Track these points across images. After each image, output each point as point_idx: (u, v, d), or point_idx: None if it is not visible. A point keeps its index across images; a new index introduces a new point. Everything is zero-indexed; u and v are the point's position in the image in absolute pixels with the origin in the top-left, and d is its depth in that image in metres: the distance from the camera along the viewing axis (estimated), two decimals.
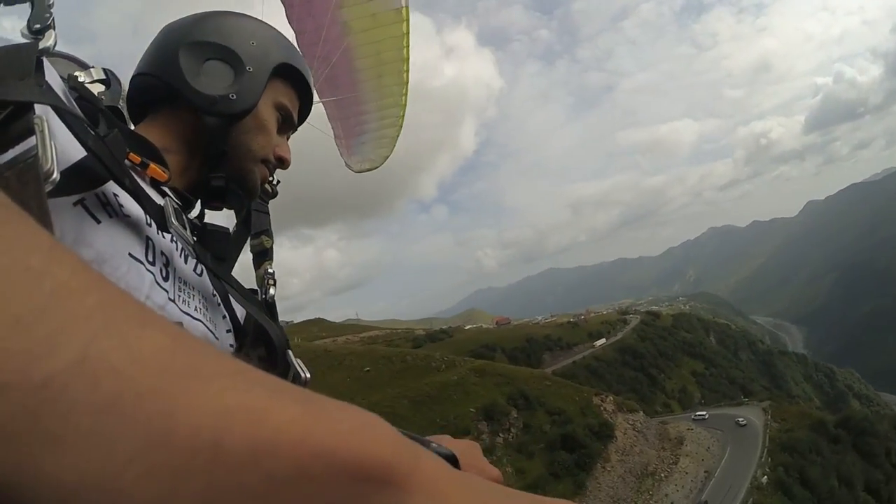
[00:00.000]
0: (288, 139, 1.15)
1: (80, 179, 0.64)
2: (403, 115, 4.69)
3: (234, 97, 0.98)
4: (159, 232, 0.79)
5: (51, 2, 0.70)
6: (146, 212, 0.75)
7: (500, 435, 42.96)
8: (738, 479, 43.92)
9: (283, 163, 1.10)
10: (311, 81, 1.16)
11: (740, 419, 59.31)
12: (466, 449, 0.65)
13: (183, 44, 0.98)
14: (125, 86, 1.02)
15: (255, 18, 1.11)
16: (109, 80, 0.94)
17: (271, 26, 1.11)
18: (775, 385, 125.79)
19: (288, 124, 1.11)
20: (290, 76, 1.09)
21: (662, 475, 44.61)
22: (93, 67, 0.93)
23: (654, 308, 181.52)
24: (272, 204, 1.26)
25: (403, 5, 4.13)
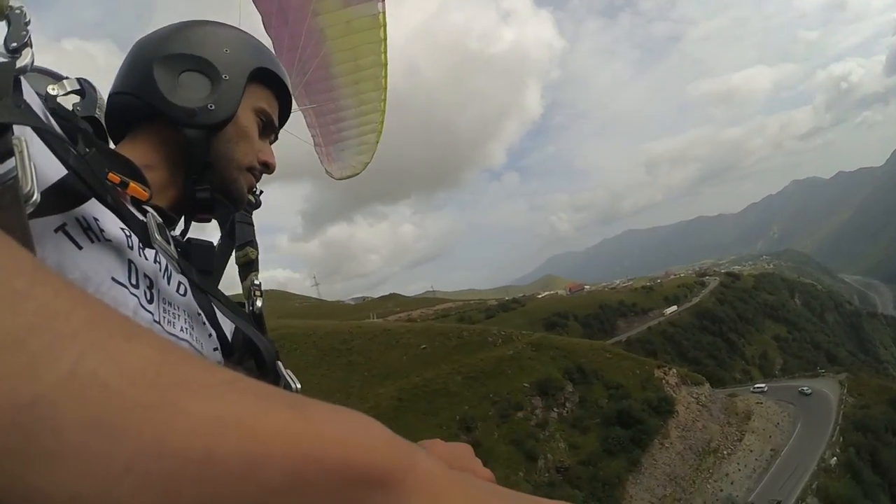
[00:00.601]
0: (272, 143, 1.15)
1: (61, 199, 0.64)
2: (383, 121, 4.70)
3: (213, 107, 0.97)
4: (141, 254, 0.78)
5: (27, 19, 0.69)
6: (129, 227, 0.75)
7: (555, 410, 43.01)
8: (805, 460, 41.89)
9: (268, 168, 1.10)
10: (289, 84, 1.16)
11: (805, 388, 56.37)
12: (458, 452, 0.63)
13: (156, 58, 0.98)
14: (103, 97, 1.01)
15: (228, 25, 1.10)
16: (84, 89, 0.97)
17: (244, 31, 1.10)
18: (862, 350, 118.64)
19: (269, 129, 1.11)
20: (267, 80, 1.09)
21: (725, 452, 43.29)
22: (66, 79, 0.95)
23: (737, 268, 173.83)
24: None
25: (380, 11, 4.13)
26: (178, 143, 0.98)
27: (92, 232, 0.70)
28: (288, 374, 1.00)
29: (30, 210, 0.53)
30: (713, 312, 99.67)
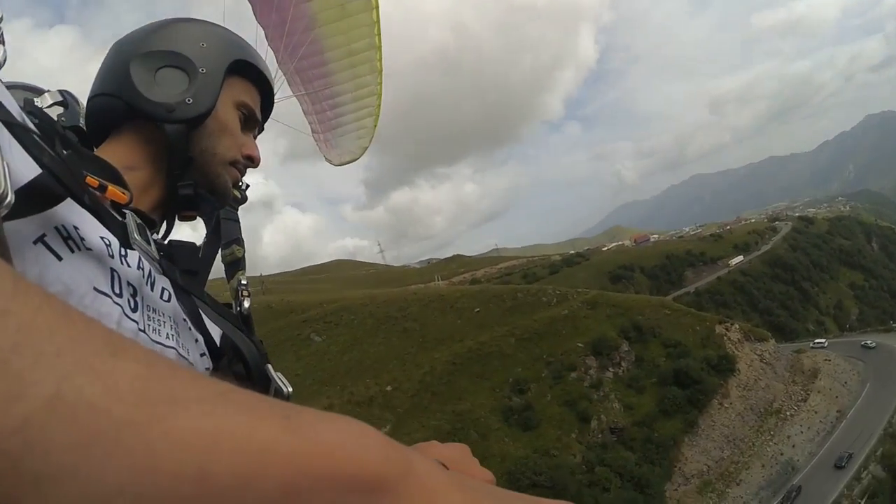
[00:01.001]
0: (256, 137, 1.15)
1: (35, 199, 0.62)
2: (380, 105, 4.68)
3: (191, 101, 0.97)
4: (124, 262, 0.77)
5: (0, 15, 0.67)
6: (108, 228, 0.74)
7: (610, 370, 42.99)
8: (871, 423, 39.88)
9: (252, 161, 1.09)
10: (270, 76, 1.16)
11: (869, 342, 53.42)
12: (455, 453, 0.63)
13: (133, 57, 0.98)
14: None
15: (205, 21, 1.10)
16: (67, 101, 0.97)
17: (220, 25, 1.11)
18: None
19: (252, 122, 1.11)
20: (247, 73, 1.09)
21: (788, 413, 42.02)
22: (48, 91, 0.95)
23: (811, 211, 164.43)
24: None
25: None
26: (159, 141, 0.98)
27: (72, 241, 0.68)
28: (279, 378, 1.00)
29: (4, 212, 0.51)
30: (785, 260, 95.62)
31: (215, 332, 0.95)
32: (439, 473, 0.35)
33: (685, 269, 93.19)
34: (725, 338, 46.28)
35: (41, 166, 0.62)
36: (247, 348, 0.96)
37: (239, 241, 1.17)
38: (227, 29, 1.10)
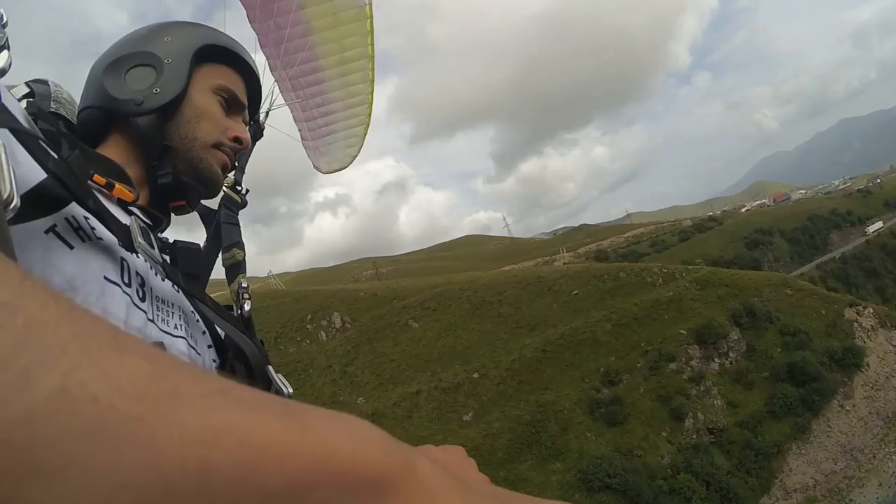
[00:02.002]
0: (246, 121, 1.16)
1: (41, 203, 0.64)
2: (370, 114, 4.56)
3: (158, 90, 1.00)
4: (133, 252, 0.79)
5: (4, 21, 0.68)
6: (112, 232, 0.75)
7: (716, 360, 38.79)
8: None
9: (240, 142, 1.09)
10: (248, 57, 1.17)
11: None
12: (451, 456, 0.63)
13: (105, 66, 1.02)
14: (62, 90, 1.08)
15: (175, 21, 1.13)
16: (32, 90, 0.99)
17: (193, 22, 1.14)
18: None
19: (236, 105, 1.12)
20: (223, 59, 1.11)
21: None
22: (15, 86, 0.97)
23: None
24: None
25: (367, 3, 4.08)
26: (138, 138, 1.00)
27: (83, 231, 0.70)
28: (279, 379, 1.01)
29: (10, 216, 0.52)
30: None
31: (218, 330, 0.99)
32: (441, 474, 0.35)
33: (830, 231, 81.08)
34: (856, 324, 39.39)
35: (46, 171, 0.64)
36: (249, 349, 0.98)
37: (239, 245, 1.20)
38: (197, 23, 1.13)
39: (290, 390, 1.00)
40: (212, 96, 1.05)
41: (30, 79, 1.02)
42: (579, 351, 40.02)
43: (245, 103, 1.13)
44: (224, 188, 1.24)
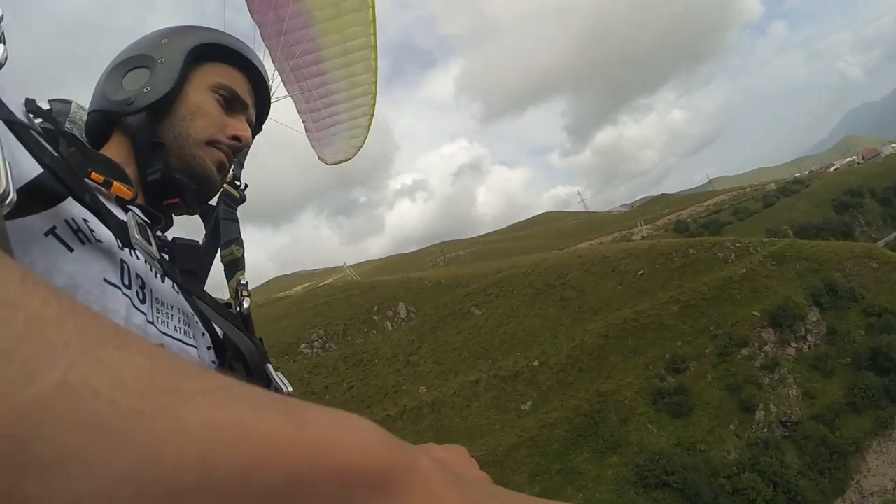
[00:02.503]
0: (251, 120, 1.15)
1: (37, 198, 0.63)
2: (374, 104, 4.74)
3: (149, 89, 1.00)
4: (133, 254, 0.79)
5: (0, 14, 0.66)
6: (109, 228, 0.75)
7: (792, 345, 34.88)
8: None
9: (239, 140, 1.07)
10: (249, 53, 1.15)
11: None
12: (453, 455, 0.59)
13: (107, 71, 1.05)
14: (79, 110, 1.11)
15: (177, 25, 1.14)
16: (51, 108, 1.02)
17: (196, 25, 1.14)
18: None
19: (237, 103, 1.10)
20: (225, 58, 1.10)
21: None
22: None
23: None
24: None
25: None
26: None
27: (82, 233, 0.70)
28: (279, 377, 1.00)
29: (6, 210, 0.51)
30: None
31: (217, 330, 0.98)
32: (442, 471, 0.34)
33: None
34: None
35: (42, 165, 0.63)
36: (247, 348, 0.97)
37: (238, 241, 1.18)
38: (203, 26, 1.13)
39: (290, 388, 0.99)
40: (209, 94, 1.05)
41: (55, 97, 1.06)
42: (643, 336, 38.04)
43: (248, 102, 1.12)
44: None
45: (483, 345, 42.26)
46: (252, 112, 1.15)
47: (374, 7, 3.95)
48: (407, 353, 41.46)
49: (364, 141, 4.74)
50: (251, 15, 3.61)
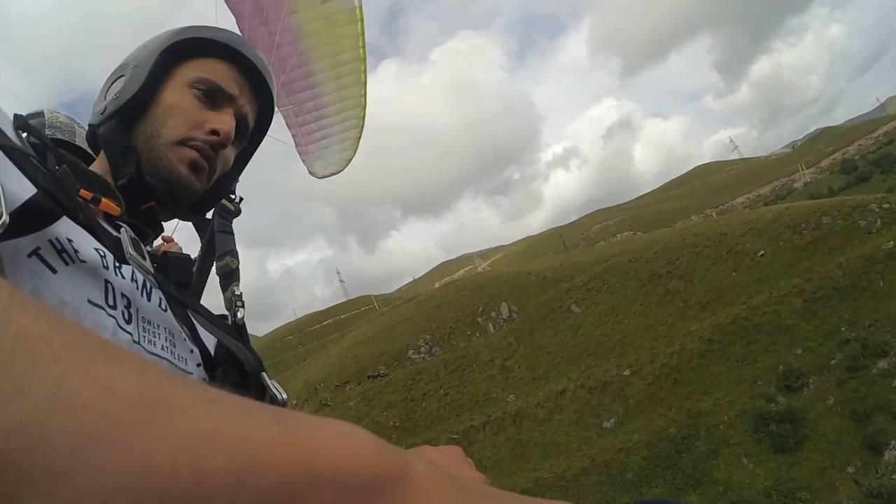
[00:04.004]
0: (243, 112, 1.01)
1: (31, 219, 0.61)
2: (364, 116, 4.62)
3: (118, 95, 0.94)
4: (118, 273, 0.76)
5: None
6: (103, 244, 0.72)
7: None
8: None
9: (217, 134, 0.94)
10: (239, 43, 1.01)
11: None
12: (447, 457, 0.58)
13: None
14: (60, 118, 1.06)
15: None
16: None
17: (188, 25, 1.05)
18: None
19: (221, 96, 0.98)
20: (207, 52, 0.99)
21: None
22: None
23: None
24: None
25: (357, 5, 4.11)
26: None
27: (66, 254, 0.67)
28: (273, 385, 0.97)
29: None
30: None
31: (210, 342, 0.94)
32: (436, 474, 0.32)
33: None
34: None
35: (36, 186, 0.61)
36: (243, 356, 0.94)
37: (233, 253, 1.16)
38: (194, 25, 1.03)
39: (285, 396, 0.97)
40: (186, 91, 0.95)
41: (27, 114, 1.03)
42: (755, 340, 29.64)
43: (233, 93, 0.99)
44: None
45: (577, 348, 37.52)
46: (243, 103, 1.01)
47: (362, 20, 3.82)
48: (503, 357, 38.97)
49: (354, 153, 4.54)
50: (241, 32, 3.49)
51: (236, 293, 1.09)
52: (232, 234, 1.18)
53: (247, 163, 1.17)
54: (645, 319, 35.74)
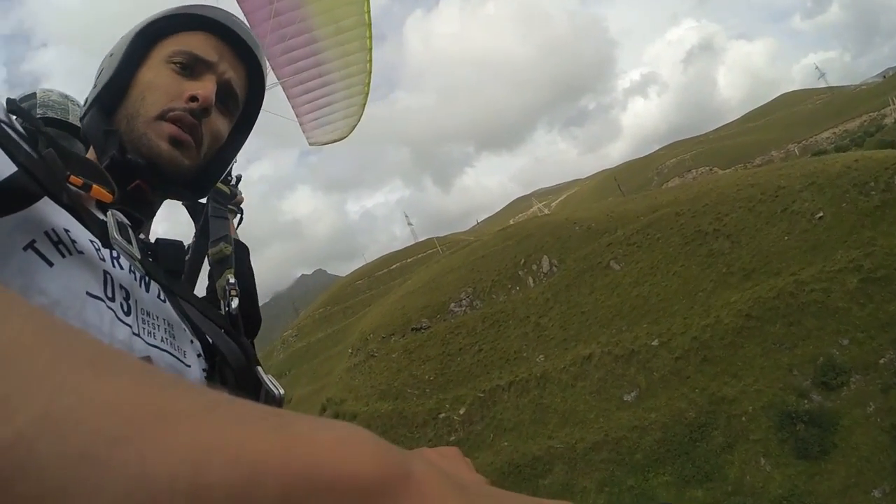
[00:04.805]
0: (225, 77, 0.93)
1: (10, 197, 0.57)
2: (369, 82, 4.42)
3: (96, 85, 0.90)
4: (116, 264, 0.72)
5: None
6: (88, 228, 0.68)
7: None
8: None
9: (195, 101, 0.87)
10: (212, 11, 0.95)
11: None
12: (444, 460, 0.55)
13: None
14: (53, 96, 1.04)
15: None
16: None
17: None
18: None
19: (199, 64, 0.91)
20: (179, 28, 0.92)
21: None
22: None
23: None
24: None
25: None
26: None
27: (63, 245, 0.63)
28: (270, 381, 0.91)
29: None
30: None
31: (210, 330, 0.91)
32: (437, 476, 0.30)
33: None
34: None
35: (16, 164, 0.58)
36: (231, 353, 0.88)
37: (227, 239, 1.08)
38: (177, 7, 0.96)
39: (282, 392, 0.90)
40: (163, 67, 0.88)
41: (19, 96, 1.06)
42: (799, 322, 24.84)
43: (212, 59, 0.90)
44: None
45: (612, 309, 34.00)
46: (225, 68, 0.93)
47: None
48: (538, 314, 36.68)
49: (359, 119, 4.41)
50: (239, 3, 3.37)
51: (230, 281, 0.99)
52: (227, 218, 1.11)
53: (246, 136, 1.07)
54: (683, 283, 31.30)
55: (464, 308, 40.62)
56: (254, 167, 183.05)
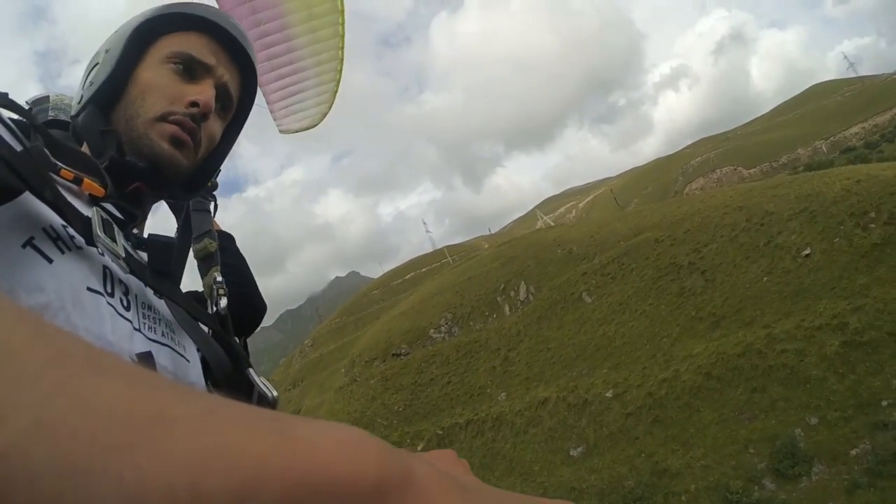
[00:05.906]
0: (223, 82, 0.88)
1: None
2: (341, 70, 4.19)
3: (92, 82, 0.83)
4: (115, 260, 0.67)
5: None
6: (70, 224, 0.61)
7: None
8: None
9: (196, 106, 0.82)
10: (209, 12, 0.89)
11: None
12: (441, 462, 0.46)
13: None
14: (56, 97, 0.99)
15: None
16: (31, 108, 0.90)
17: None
18: None
19: (199, 67, 0.85)
20: (181, 27, 0.86)
21: None
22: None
23: None
24: None
25: None
26: None
27: (62, 241, 0.59)
28: (262, 383, 0.86)
29: None
30: None
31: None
32: (438, 477, 0.29)
33: None
34: None
35: None
36: (215, 359, 0.83)
37: (211, 234, 1.00)
38: (169, 3, 0.90)
39: (275, 393, 0.84)
40: (162, 67, 0.82)
41: (32, 98, 0.98)
42: (763, 388, 18.76)
43: (210, 63, 0.85)
44: None
45: (577, 348, 28.60)
46: (222, 72, 0.88)
47: None
48: (508, 346, 31.98)
49: (331, 107, 4.20)
50: None
51: (217, 279, 0.92)
52: (209, 212, 1.03)
53: (237, 135, 1.01)
54: (650, 324, 25.46)
55: (443, 335, 36.59)
56: (287, 173, 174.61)
